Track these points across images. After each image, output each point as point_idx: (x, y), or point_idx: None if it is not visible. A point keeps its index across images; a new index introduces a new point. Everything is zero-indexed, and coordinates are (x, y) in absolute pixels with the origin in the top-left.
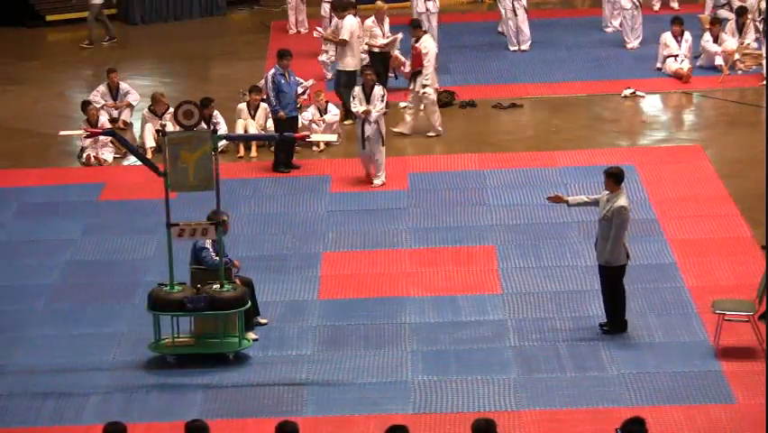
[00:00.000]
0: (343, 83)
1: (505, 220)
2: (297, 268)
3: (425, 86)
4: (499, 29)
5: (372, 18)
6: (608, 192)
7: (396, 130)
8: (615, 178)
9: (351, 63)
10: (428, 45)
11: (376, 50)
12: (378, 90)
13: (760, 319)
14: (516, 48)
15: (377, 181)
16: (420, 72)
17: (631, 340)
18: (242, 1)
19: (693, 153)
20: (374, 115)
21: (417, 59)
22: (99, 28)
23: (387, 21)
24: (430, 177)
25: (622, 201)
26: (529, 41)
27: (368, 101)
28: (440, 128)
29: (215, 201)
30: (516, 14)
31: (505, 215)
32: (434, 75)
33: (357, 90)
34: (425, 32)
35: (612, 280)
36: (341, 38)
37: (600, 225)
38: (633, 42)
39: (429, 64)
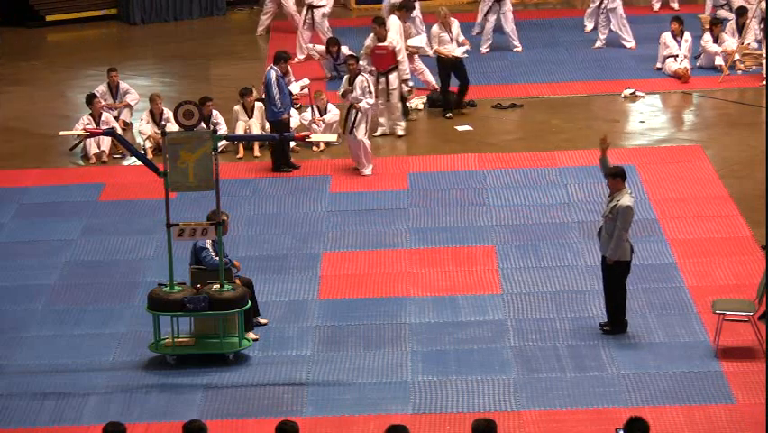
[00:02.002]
0: None
1: (505, 220)
2: (297, 268)
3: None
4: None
5: (438, 24)
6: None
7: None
8: (621, 177)
9: None
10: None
11: (446, 53)
12: (360, 79)
13: (760, 319)
14: (516, 48)
15: (366, 171)
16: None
17: (631, 340)
18: (242, 1)
19: (693, 153)
20: (363, 105)
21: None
22: None
23: (456, 25)
24: (430, 177)
25: (627, 201)
26: (519, 46)
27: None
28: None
29: (215, 201)
30: (499, 18)
31: (505, 215)
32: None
33: (344, 79)
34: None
35: (616, 277)
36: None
37: (605, 221)
38: (632, 42)
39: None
